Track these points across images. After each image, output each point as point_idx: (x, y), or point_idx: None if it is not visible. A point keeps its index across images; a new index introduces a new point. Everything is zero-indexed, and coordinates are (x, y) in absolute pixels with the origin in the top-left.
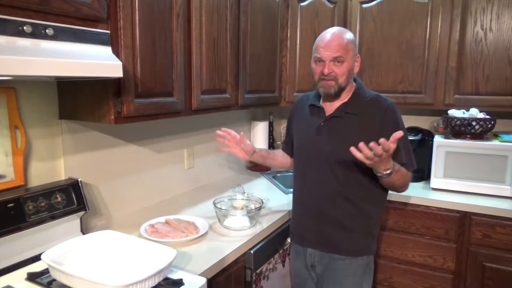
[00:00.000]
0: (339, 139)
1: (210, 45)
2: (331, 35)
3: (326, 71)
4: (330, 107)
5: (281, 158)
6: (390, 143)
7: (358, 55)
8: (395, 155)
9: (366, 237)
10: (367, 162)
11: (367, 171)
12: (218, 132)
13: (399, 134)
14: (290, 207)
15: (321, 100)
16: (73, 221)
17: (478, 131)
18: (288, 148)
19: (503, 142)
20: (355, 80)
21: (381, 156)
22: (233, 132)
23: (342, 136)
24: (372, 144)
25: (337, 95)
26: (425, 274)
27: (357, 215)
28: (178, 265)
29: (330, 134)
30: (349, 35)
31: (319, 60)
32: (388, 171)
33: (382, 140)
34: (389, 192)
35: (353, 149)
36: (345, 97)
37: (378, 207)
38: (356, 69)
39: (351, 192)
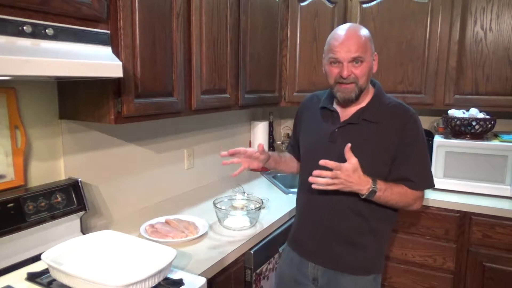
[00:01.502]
0: (354, 149)
1: (210, 45)
2: (347, 32)
3: (345, 73)
4: (345, 112)
5: (290, 162)
6: (346, 153)
7: (376, 52)
8: (397, 168)
9: (375, 255)
10: (330, 187)
11: None
12: (223, 154)
13: (348, 145)
14: (290, 207)
15: (334, 103)
16: (73, 221)
17: (478, 131)
18: (295, 151)
19: (503, 142)
20: (373, 84)
21: (339, 177)
22: (242, 148)
23: (357, 145)
24: (322, 161)
25: (357, 99)
26: (425, 274)
27: (366, 231)
28: (178, 265)
29: (344, 142)
30: (365, 31)
31: (336, 61)
32: (366, 192)
33: (322, 162)
34: None
35: (311, 179)
36: (362, 102)
37: (387, 223)
38: (375, 68)
39: (362, 206)
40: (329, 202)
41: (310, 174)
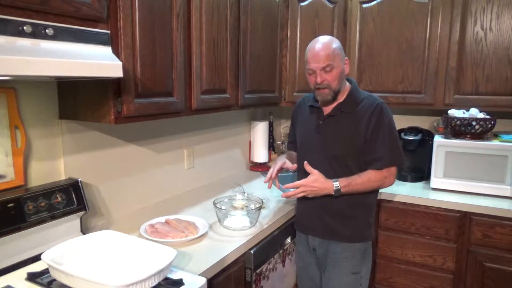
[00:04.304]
0: (336, 136)
1: (210, 45)
2: (317, 46)
3: (318, 80)
4: (327, 107)
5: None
6: (306, 168)
7: (346, 57)
8: (367, 149)
9: (364, 224)
10: (301, 195)
11: (361, 164)
12: (266, 180)
13: (305, 162)
14: (290, 207)
15: (319, 102)
16: (73, 221)
17: (478, 131)
18: (294, 146)
19: (503, 142)
20: (350, 81)
21: (304, 191)
22: (271, 170)
23: (338, 132)
24: (285, 186)
25: (334, 99)
26: (425, 274)
27: (354, 204)
28: (178, 265)
29: (328, 131)
30: (334, 42)
31: (312, 71)
32: (333, 192)
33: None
34: (388, 192)
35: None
36: (340, 98)
37: (372, 196)
38: (347, 71)
39: None
40: None
41: (305, 159)
